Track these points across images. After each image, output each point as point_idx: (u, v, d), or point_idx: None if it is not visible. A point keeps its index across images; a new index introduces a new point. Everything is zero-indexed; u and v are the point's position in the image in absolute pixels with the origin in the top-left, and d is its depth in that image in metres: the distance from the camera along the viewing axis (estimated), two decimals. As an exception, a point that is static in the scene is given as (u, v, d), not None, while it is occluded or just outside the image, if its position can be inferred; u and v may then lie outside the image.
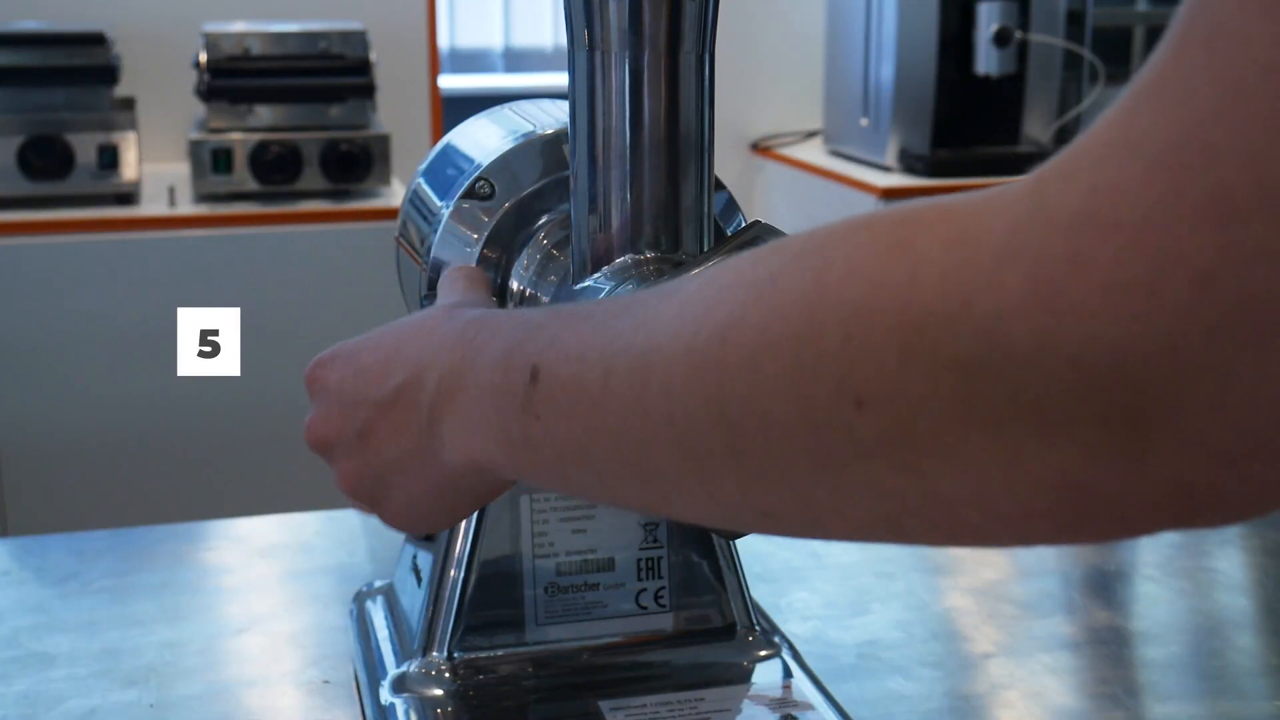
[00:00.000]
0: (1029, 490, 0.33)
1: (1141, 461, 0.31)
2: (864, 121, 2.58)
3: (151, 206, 2.18)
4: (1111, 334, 0.30)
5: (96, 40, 2.21)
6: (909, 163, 2.49)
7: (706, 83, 0.59)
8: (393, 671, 0.70)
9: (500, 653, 0.70)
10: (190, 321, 2.16)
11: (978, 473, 0.33)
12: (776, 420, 0.36)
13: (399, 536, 0.78)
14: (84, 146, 2.14)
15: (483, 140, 0.71)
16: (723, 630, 0.72)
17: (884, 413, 0.34)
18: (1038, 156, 2.50)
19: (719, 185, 0.65)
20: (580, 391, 0.43)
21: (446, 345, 0.51)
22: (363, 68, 2.27)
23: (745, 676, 0.71)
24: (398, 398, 0.52)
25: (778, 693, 0.70)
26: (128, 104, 2.33)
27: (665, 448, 0.40)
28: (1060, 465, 0.32)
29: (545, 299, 0.65)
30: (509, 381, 0.46)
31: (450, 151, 0.73)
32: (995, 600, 0.88)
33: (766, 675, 0.72)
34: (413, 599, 0.73)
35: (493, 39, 3.90)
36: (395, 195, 2.25)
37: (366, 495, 0.55)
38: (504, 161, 0.67)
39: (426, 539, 0.73)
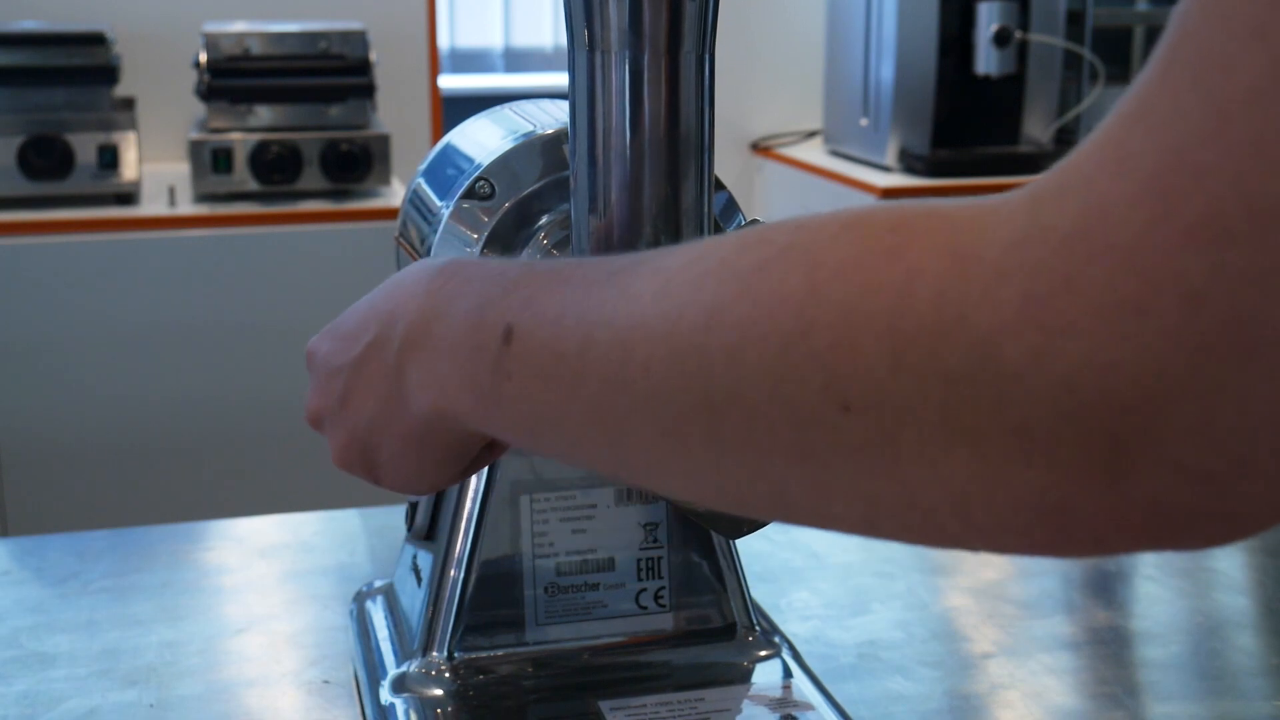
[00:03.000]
0: (1007, 505, 0.33)
1: (1121, 482, 0.31)
2: (864, 121, 2.58)
3: (151, 206, 2.18)
4: (1101, 354, 0.30)
5: (96, 40, 2.21)
6: (909, 163, 2.49)
7: (706, 83, 0.59)
8: (393, 671, 0.70)
9: (500, 653, 0.70)
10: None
11: (958, 484, 0.33)
12: (759, 412, 0.36)
13: (399, 536, 0.78)
14: (84, 146, 2.14)
15: (483, 140, 0.71)
16: (723, 630, 0.72)
17: (870, 418, 0.34)
18: (1038, 156, 2.50)
19: (719, 185, 0.65)
20: (557, 357, 0.43)
21: (417, 294, 0.50)
22: (363, 68, 2.27)
23: (745, 676, 0.71)
24: (368, 353, 0.52)
25: (778, 693, 0.70)
26: (128, 104, 2.33)
27: (643, 422, 0.40)
28: (1040, 484, 0.32)
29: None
30: (481, 337, 0.46)
31: (450, 151, 0.73)
32: (995, 600, 0.88)
33: (766, 675, 0.72)
34: (413, 599, 0.73)
35: (493, 39, 3.89)
36: (395, 195, 2.25)
37: (360, 465, 0.55)
38: (504, 161, 0.67)
39: (426, 538, 0.73)
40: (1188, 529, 0.32)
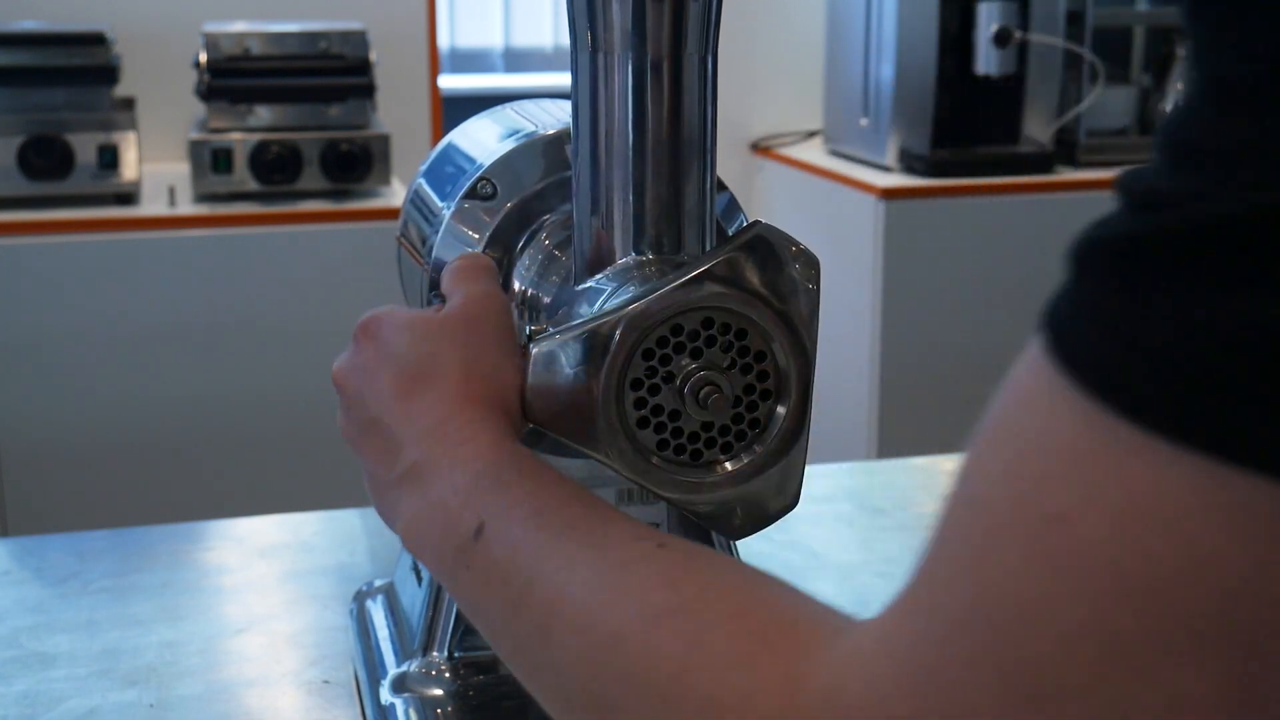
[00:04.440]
0: None
1: None
2: (864, 121, 2.58)
3: (151, 206, 2.18)
4: None
5: (96, 40, 2.21)
6: (909, 163, 2.49)
7: (709, 84, 0.59)
8: (393, 671, 0.70)
9: (501, 653, 0.70)
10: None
11: None
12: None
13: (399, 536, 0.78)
14: (84, 146, 2.14)
15: (484, 140, 0.71)
16: (723, 631, 0.72)
17: None
18: (1037, 156, 2.50)
19: (721, 186, 0.65)
20: (505, 581, 0.48)
21: (429, 427, 0.54)
22: (363, 68, 2.27)
23: (746, 677, 0.71)
24: (386, 437, 0.56)
25: (778, 693, 0.70)
26: (128, 104, 2.33)
27: (548, 689, 0.46)
28: None
29: (547, 299, 0.65)
30: (460, 521, 0.51)
31: (452, 151, 0.73)
32: (996, 601, 0.88)
33: (767, 676, 0.71)
34: (413, 599, 0.73)
35: (493, 39, 3.89)
36: (395, 195, 2.25)
37: (351, 449, 0.60)
38: (506, 161, 0.67)
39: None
40: None
